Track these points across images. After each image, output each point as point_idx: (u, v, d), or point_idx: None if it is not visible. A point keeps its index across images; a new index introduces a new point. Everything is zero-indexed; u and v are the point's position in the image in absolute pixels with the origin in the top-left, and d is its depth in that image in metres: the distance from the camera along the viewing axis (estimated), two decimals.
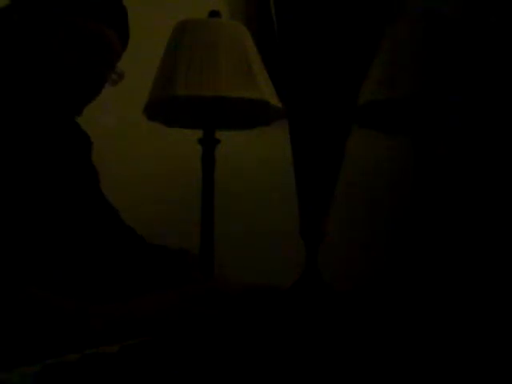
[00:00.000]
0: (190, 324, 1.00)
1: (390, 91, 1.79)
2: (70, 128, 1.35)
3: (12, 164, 1.16)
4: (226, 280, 1.27)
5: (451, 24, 1.81)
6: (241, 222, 2.20)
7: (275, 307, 1.15)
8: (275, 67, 2.01)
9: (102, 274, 1.24)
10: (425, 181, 1.85)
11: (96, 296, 1.11)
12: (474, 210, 2.06)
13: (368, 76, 1.86)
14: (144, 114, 1.87)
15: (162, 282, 1.24)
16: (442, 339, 0.98)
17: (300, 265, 2.01)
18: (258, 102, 1.81)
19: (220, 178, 1.89)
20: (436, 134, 1.92)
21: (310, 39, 2.05)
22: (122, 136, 2.16)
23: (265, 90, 1.81)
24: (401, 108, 1.89)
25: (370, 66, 1.86)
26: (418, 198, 1.85)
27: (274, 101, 1.83)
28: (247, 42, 1.84)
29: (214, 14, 1.87)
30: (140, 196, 2.18)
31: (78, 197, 1.30)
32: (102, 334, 0.96)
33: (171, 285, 1.19)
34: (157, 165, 2.21)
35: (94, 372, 0.76)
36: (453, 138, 2.02)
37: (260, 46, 1.91)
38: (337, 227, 2.09)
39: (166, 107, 1.90)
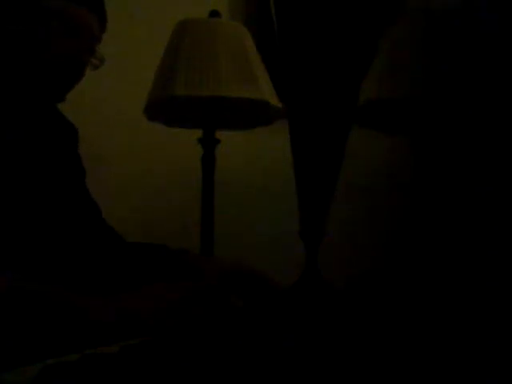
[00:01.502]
0: (189, 323, 1.00)
1: (390, 91, 1.79)
2: (55, 118, 1.34)
3: None
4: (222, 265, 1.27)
5: (451, 24, 1.81)
6: (241, 222, 2.20)
7: (275, 307, 1.15)
8: (275, 67, 2.02)
9: (83, 271, 1.24)
10: (425, 181, 1.85)
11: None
12: (473, 209, 2.06)
13: (368, 76, 1.86)
14: (144, 114, 1.87)
15: (157, 280, 1.24)
16: (442, 338, 0.98)
17: (300, 265, 2.01)
18: (258, 101, 1.81)
19: (220, 178, 1.89)
20: (436, 133, 1.92)
21: (310, 39, 2.05)
22: (122, 136, 2.16)
23: (265, 90, 1.81)
24: (401, 108, 1.89)
25: (370, 65, 1.86)
26: (418, 197, 1.85)
27: (274, 101, 1.83)
28: (247, 41, 1.84)
29: (214, 13, 1.87)
30: (140, 196, 2.18)
31: (61, 190, 1.29)
32: (114, 327, 0.96)
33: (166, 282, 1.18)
34: (157, 165, 2.21)
35: (93, 372, 0.76)
36: (453, 137, 2.02)
37: (260, 45, 1.91)
38: (337, 227, 2.09)
39: (166, 107, 1.90)
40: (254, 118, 1.95)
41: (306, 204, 2.05)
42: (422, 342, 0.94)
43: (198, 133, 1.88)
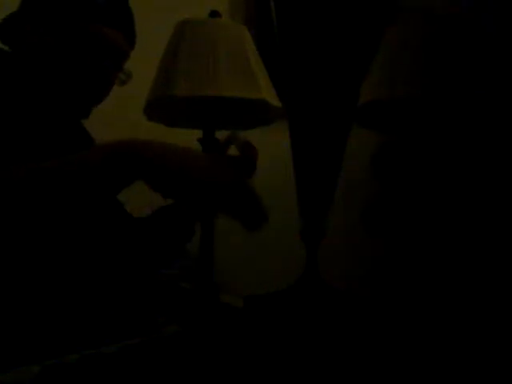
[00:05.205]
0: (189, 323, 1.00)
1: (390, 91, 1.79)
2: (78, 132, 1.39)
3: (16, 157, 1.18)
4: None
5: (451, 24, 1.81)
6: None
7: (276, 307, 1.15)
8: (275, 67, 2.01)
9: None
10: (424, 181, 1.85)
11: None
12: (474, 210, 2.06)
13: (368, 76, 1.86)
14: (144, 114, 1.87)
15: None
16: (442, 339, 0.98)
17: (300, 265, 2.01)
18: (258, 101, 1.81)
19: None
20: (436, 134, 1.92)
21: (310, 39, 2.05)
22: (121, 136, 2.16)
23: (265, 90, 1.81)
24: (401, 108, 1.89)
25: (370, 65, 1.86)
26: (418, 197, 1.84)
27: (274, 101, 1.83)
28: (247, 41, 1.84)
29: (214, 14, 1.87)
30: (140, 196, 2.18)
31: None
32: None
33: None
34: None
35: (93, 372, 0.76)
36: (453, 137, 2.02)
37: (260, 46, 1.91)
38: (337, 227, 2.09)
39: (165, 107, 1.90)
40: (254, 117, 1.95)
41: (306, 204, 2.05)
42: (422, 343, 0.94)
43: (198, 133, 1.88)
